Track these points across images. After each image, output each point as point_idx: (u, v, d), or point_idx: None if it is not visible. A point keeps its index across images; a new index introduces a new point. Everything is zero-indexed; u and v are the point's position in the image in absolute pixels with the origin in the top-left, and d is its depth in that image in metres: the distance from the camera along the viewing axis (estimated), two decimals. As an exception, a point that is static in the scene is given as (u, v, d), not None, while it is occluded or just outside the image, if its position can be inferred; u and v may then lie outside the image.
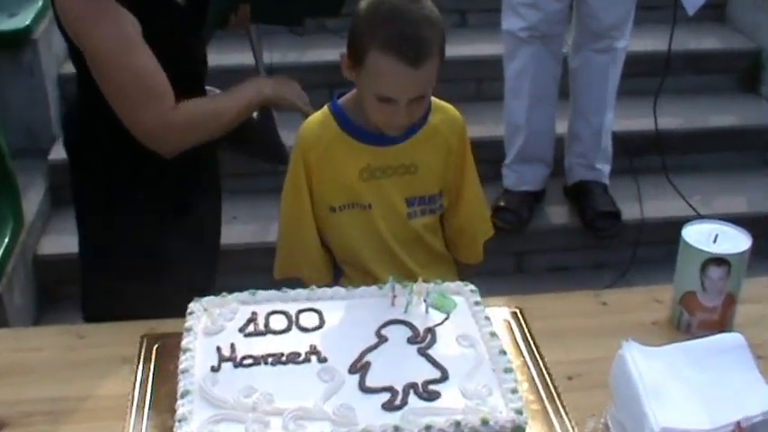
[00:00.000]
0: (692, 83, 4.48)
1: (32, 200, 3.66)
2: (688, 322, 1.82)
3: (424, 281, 1.74)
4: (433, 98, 2.08)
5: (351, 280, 2.16)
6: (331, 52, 4.27)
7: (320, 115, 2.10)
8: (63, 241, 3.58)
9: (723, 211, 3.55)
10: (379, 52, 1.87)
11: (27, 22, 3.83)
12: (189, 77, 2.17)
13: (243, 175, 3.87)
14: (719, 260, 1.76)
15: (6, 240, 3.18)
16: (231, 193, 3.77)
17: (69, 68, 4.08)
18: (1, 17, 3.86)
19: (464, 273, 2.26)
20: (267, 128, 2.45)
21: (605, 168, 3.78)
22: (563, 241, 3.80)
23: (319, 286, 2.02)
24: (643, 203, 3.79)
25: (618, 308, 1.94)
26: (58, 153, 3.84)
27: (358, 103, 2.02)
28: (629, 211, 3.76)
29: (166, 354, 1.68)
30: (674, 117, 4.23)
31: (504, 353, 1.59)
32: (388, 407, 1.46)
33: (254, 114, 2.39)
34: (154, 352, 1.71)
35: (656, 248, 3.43)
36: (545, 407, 1.60)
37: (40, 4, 3.95)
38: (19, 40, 3.82)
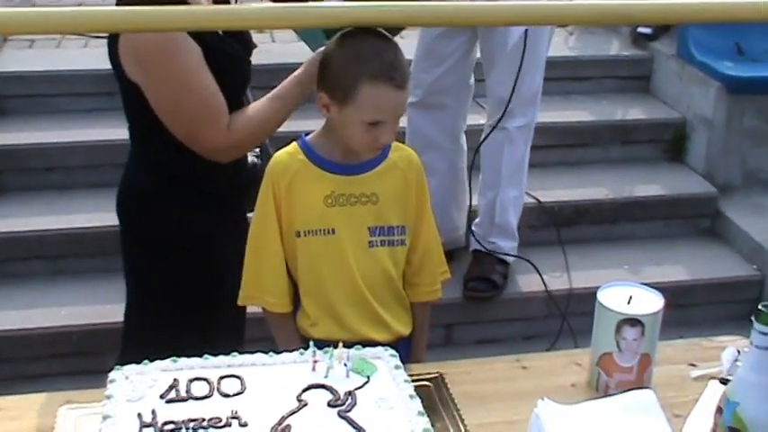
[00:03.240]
0: (619, 153, 4.60)
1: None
2: (606, 383, 1.86)
3: (345, 346, 1.76)
4: None
5: (307, 315, 2.24)
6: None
7: (289, 148, 2.23)
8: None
9: (651, 281, 3.61)
10: (371, 84, 2.03)
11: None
12: (235, 93, 2.41)
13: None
14: (633, 320, 1.80)
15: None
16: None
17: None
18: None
19: (419, 320, 2.35)
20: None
21: (502, 243, 3.77)
22: (491, 314, 3.83)
23: (278, 316, 2.24)
24: (571, 274, 3.85)
25: (538, 372, 1.97)
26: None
27: (325, 137, 2.19)
28: (557, 282, 3.83)
29: (87, 424, 1.67)
30: (602, 187, 4.33)
31: (422, 414, 1.61)
32: (308, 469, 1.47)
33: (255, 159, 2.57)
34: (73, 422, 1.69)
35: (585, 319, 3.44)
36: (465, 470, 1.61)
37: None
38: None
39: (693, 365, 1.98)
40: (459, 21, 2.47)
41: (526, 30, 3.41)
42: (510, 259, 3.84)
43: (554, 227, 3.99)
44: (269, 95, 2.38)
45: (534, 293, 3.83)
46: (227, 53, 2.37)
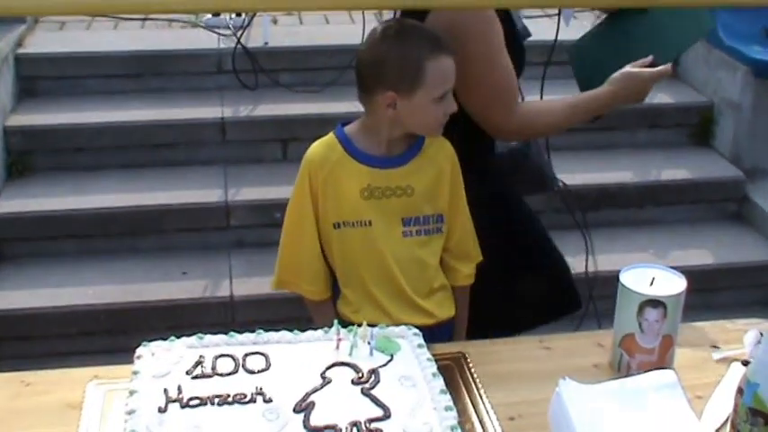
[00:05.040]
0: (646, 137, 4.59)
1: (-27, 256, 3.66)
2: (628, 364, 1.86)
3: (370, 325, 1.78)
4: None
5: (349, 302, 2.27)
6: (283, 106, 4.35)
7: (326, 140, 2.26)
8: (5, 298, 3.61)
9: (677, 264, 3.61)
10: (434, 58, 2.12)
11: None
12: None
13: (192, 231, 3.93)
14: (655, 302, 1.80)
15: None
16: (180, 249, 3.85)
17: (15, 120, 4.20)
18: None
19: (460, 303, 2.39)
20: (532, 155, 2.63)
21: None
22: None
23: (317, 302, 2.26)
24: (596, 257, 3.85)
25: (560, 352, 1.98)
26: (2, 207, 3.90)
27: (366, 131, 2.23)
28: (582, 265, 3.82)
29: (114, 399, 1.70)
30: (628, 171, 4.32)
31: (444, 392, 1.63)
32: (332, 444, 1.50)
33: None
34: (100, 397, 1.72)
35: (609, 302, 3.44)
36: (487, 447, 1.63)
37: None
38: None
39: (716, 348, 1.98)
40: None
41: None
42: None
43: (579, 210, 3.98)
44: (565, 101, 2.41)
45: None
46: (517, 41, 2.40)
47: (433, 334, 1.93)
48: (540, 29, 3.58)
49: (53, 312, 3.57)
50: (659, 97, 4.67)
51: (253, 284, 3.63)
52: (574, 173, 4.14)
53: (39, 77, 4.54)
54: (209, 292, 3.66)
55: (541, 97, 3.62)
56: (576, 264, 3.83)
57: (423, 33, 2.15)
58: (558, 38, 2.82)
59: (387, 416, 1.57)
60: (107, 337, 3.55)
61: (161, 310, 3.57)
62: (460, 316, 2.41)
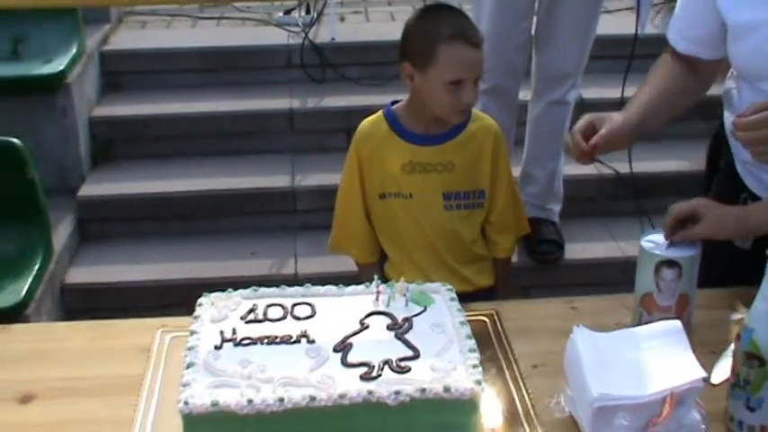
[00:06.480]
0: (701, 127, 4.53)
1: (61, 234, 3.90)
2: (647, 322, 1.98)
3: (407, 281, 1.96)
4: (473, 110, 2.43)
5: (395, 266, 2.46)
6: (349, 98, 4.54)
7: (375, 117, 2.44)
8: (89, 273, 3.88)
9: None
10: (449, 43, 2.24)
11: (61, 68, 4.17)
12: None
13: (261, 214, 4.14)
14: (671, 262, 1.94)
15: (36, 268, 3.34)
16: (250, 230, 4.06)
17: (100, 111, 4.47)
18: (37, 63, 4.20)
19: (500, 273, 2.56)
20: None
21: (556, 208, 3.99)
22: (569, 277, 3.98)
23: (364, 265, 2.46)
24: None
25: (587, 312, 2.11)
26: (87, 191, 4.16)
27: (409, 109, 2.39)
28: (635, 249, 3.91)
29: (179, 344, 1.89)
30: (684, 160, 4.41)
31: (470, 337, 1.78)
32: (365, 377, 1.66)
33: None
34: (167, 342, 1.94)
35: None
36: (509, 388, 1.80)
37: (74, 50, 4.28)
38: (53, 84, 4.14)
39: (734, 310, 2.10)
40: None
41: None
42: (557, 220, 4.02)
43: (633, 198, 4.10)
44: None
45: (612, 259, 3.98)
46: None
47: (471, 301, 2.07)
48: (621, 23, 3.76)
49: (132, 287, 3.82)
50: (715, 89, 4.70)
51: (316, 264, 3.82)
52: (632, 161, 4.25)
53: (122, 72, 4.82)
54: (275, 270, 3.87)
55: (623, 91, 3.75)
56: (629, 248, 3.94)
57: (451, 17, 2.28)
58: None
59: (416, 356, 1.73)
60: (181, 309, 3.76)
61: (231, 285, 3.71)
62: (500, 285, 2.56)
